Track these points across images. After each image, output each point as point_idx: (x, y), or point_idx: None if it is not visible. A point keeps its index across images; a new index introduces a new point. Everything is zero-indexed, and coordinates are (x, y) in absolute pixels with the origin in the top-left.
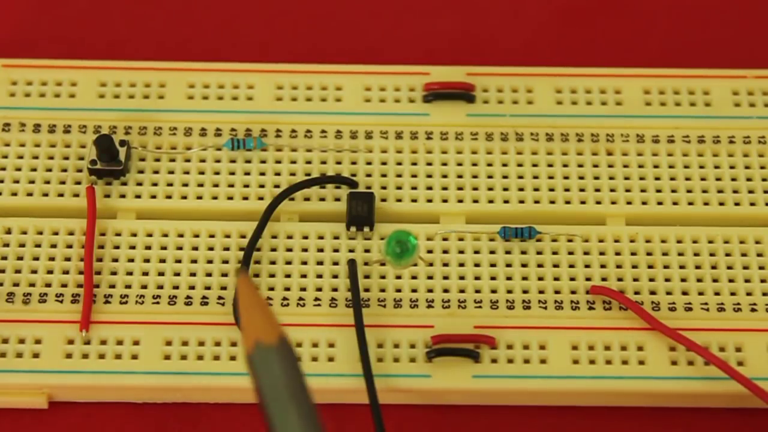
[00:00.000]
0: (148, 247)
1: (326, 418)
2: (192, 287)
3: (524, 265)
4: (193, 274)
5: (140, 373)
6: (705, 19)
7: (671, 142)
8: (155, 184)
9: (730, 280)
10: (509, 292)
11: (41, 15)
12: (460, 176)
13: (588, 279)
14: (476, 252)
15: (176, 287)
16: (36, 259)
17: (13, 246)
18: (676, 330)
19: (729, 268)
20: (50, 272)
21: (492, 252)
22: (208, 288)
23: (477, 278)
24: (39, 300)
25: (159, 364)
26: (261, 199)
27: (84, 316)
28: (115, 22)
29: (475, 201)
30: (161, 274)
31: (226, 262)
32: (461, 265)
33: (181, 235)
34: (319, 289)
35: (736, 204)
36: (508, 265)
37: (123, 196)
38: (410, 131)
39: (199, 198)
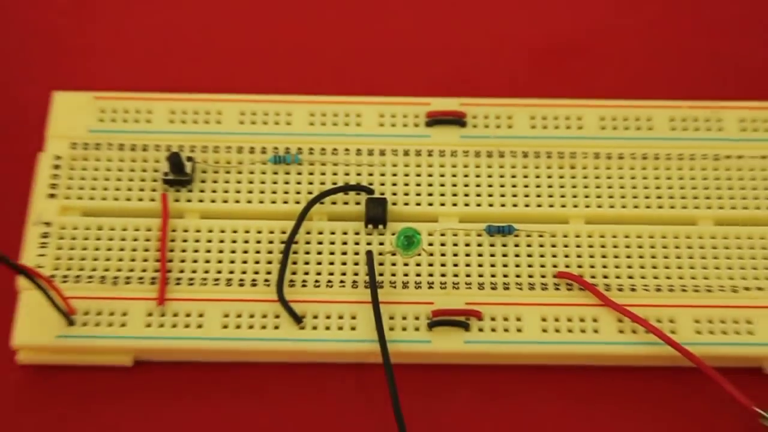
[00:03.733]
0: (209, 241)
1: (348, 375)
2: (244, 272)
3: (504, 255)
4: (244, 262)
5: (204, 339)
6: (648, 60)
7: (621, 158)
8: (214, 191)
9: (665, 267)
10: (493, 276)
11: (123, 58)
12: (454, 185)
13: (555, 266)
14: (467, 245)
15: (231, 272)
16: (122, 249)
17: (104, 239)
18: (623, 306)
19: (664, 257)
20: (133, 260)
21: (479, 245)
22: (256, 273)
23: (467, 265)
24: (125, 281)
25: (219, 331)
26: (297, 203)
27: (160, 293)
28: (182, 62)
29: (467, 204)
30: (220, 261)
31: (270, 252)
32: (455, 255)
33: (235, 231)
34: (344, 274)
35: (671, 207)
36: (492, 255)
37: (189, 201)
38: (415, 149)
39: (249, 202)
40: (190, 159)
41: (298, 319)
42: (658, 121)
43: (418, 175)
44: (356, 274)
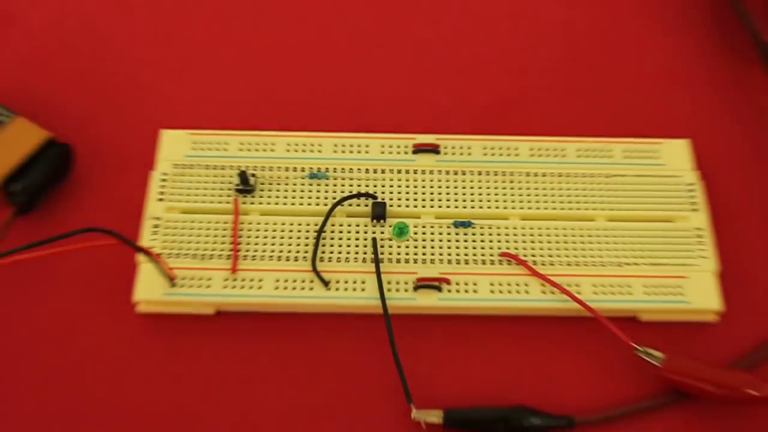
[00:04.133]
0: (266, 230)
1: (359, 322)
2: (289, 251)
3: (465, 241)
4: (289, 244)
5: (262, 296)
6: (561, 109)
7: (544, 176)
8: (269, 197)
9: (573, 249)
10: (457, 255)
11: (207, 106)
12: (431, 193)
13: (499, 248)
14: (440, 233)
15: (281, 251)
16: (207, 236)
17: (195, 229)
18: (545, 275)
19: (573, 242)
20: (215, 243)
21: (449, 233)
22: (297, 252)
23: (440, 248)
24: (209, 257)
25: (272, 291)
26: (325, 204)
27: (233, 265)
28: (247, 109)
29: (440, 206)
30: (273, 244)
31: (307, 238)
32: (432, 240)
33: (283, 224)
34: (356, 253)
35: (578, 209)
36: (457, 241)
37: (252, 203)
38: (405, 169)
39: (293, 204)
40: (253, 175)
41: (325, 283)
42: (569, 151)
43: (407, 186)
44: (365, 253)
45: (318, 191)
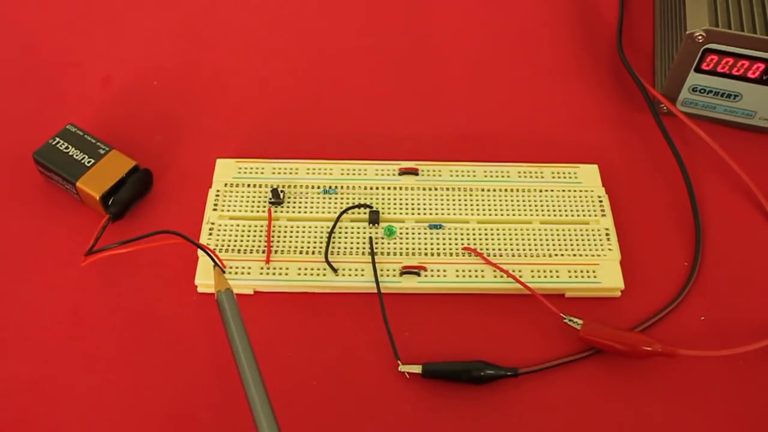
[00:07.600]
0: (292, 231)
1: (360, 300)
2: (308, 247)
3: (438, 238)
4: (309, 242)
5: (288, 281)
6: (507, 142)
7: (494, 191)
8: (295, 206)
9: (516, 244)
10: (432, 249)
11: (248, 144)
12: (413, 204)
13: (462, 243)
14: (419, 233)
15: (302, 247)
16: (249, 236)
17: (240, 230)
18: (496, 263)
19: (516, 239)
20: (254, 241)
21: (426, 233)
22: (314, 247)
23: (419, 244)
24: (250, 251)
25: (296, 277)
26: (335, 212)
27: (267, 257)
28: (277, 144)
29: (419, 214)
30: (297, 241)
31: (321, 237)
32: (413, 238)
33: (304, 227)
34: (358, 248)
35: (520, 214)
36: (432, 238)
37: (282, 212)
38: (393, 186)
39: (311, 212)
40: (282, 191)
41: (334, 271)
42: (512, 173)
43: (395, 199)
44: (364, 248)
45: (329, 203)
